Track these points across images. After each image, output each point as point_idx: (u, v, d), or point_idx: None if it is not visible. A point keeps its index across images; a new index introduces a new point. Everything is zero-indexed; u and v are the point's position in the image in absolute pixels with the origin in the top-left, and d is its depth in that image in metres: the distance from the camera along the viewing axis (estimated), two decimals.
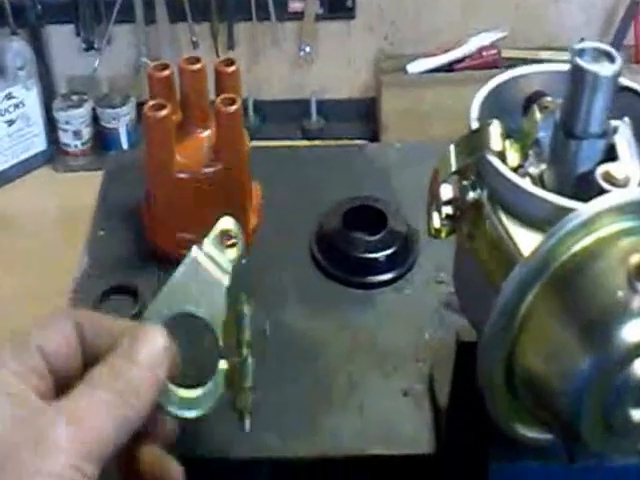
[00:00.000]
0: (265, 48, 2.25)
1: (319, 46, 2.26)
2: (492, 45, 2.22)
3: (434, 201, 0.49)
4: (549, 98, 0.49)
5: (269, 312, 0.77)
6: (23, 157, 2.12)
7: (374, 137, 2.24)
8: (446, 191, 0.49)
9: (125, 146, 2.12)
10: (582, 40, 2.12)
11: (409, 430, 0.68)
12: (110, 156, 0.99)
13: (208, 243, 0.60)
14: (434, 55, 2.21)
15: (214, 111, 0.77)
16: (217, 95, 0.78)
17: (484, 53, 2.21)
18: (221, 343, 0.60)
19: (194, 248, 0.59)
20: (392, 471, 0.68)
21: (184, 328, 0.58)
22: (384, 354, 0.75)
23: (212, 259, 0.60)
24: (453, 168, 0.48)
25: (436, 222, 0.49)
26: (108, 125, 2.12)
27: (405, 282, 0.81)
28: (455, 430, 0.61)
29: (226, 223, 0.62)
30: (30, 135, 2.12)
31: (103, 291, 0.78)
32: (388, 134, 2.18)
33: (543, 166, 0.49)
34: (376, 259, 0.81)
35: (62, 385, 0.51)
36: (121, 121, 2.11)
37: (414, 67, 2.18)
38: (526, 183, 0.46)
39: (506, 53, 2.22)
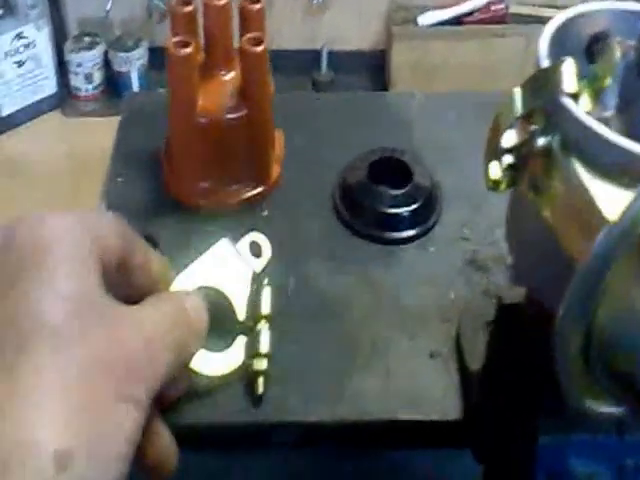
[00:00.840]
0: None
1: None
2: (500, 0, 2.25)
3: (494, 149, 0.44)
4: (618, 38, 0.45)
5: (292, 267, 0.74)
6: (32, 100, 2.07)
7: (383, 90, 2.21)
8: (508, 138, 0.44)
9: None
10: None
11: (437, 394, 0.65)
12: (126, 98, 0.95)
13: (240, 243, 0.67)
14: (444, 7, 2.19)
15: (239, 52, 0.73)
16: (241, 36, 0.74)
17: (492, 8, 2.24)
18: (241, 319, 0.64)
19: (225, 239, 0.66)
20: (419, 436, 0.65)
21: (206, 299, 0.60)
22: (409, 314, 0.72)
23: (240, 254, 0.66)
24: (519, 112, 0.43)
25: (495, 172, 0.45)
26: (120, 69, 2.07)
27: (429, 239, 0.78)
28: (490, 397, 0.58)
29: (257, 236, 0.69)
30: (40, 77, 2.07)
31: None
32: (397, 87, 2.16)
33: (608, 114, 0.45)
34: (400, 214, 0.78)
35: None
36: (133, 65, 2.07)
37: (424, 19, 2.16)
38: (609, 131, 0.41)
39: (514, 9, 2.24)
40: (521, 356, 0.51)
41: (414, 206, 0.78)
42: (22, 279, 0.41)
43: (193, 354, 0.51)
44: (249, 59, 0.72)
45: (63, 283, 0.41)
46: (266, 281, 0.69)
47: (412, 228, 0.78)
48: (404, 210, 0.78)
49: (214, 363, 0.62)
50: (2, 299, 0.41)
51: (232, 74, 0.76)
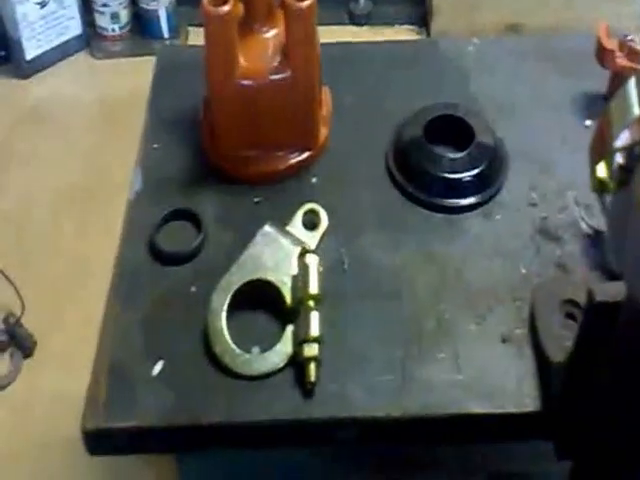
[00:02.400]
0: None
1: None
2: None
3: (602, 146, 0.38)
4: None
5: (345, 241, 0.68)
6: (58, 42, 2.00)
7: (424, 22, 2.10)
8: (621, 137, 0.38)
9: (165, 30, 1.99)
10: None
11: (511, 384, 0.60)
12: (157, 51, 0.88)
13: (294, 219, 0.66)
14: None
15: (282, 7, 0.66)
16: None
17: None
18: (289, 303, 0.62)
19: (267, 225, 0.64)
20: (494, 430, 0.60)
21: (255, 293, 0.61)
22: (476, 292, 0.66)
23: (287, 233, 0.64)
24: (636, 112, 0.36)
25: (603, 172, 0.38)
26: (147, 6, 1.98)
27: (494, 206, 0.72)
28: (579, 399, 0.52)
29: (312, 206, 0.67)
30: (64, 18, 1.99)
31: (162, 217, 0.69)
32: (438, 19, 2.05)
33: None
34: (462, 179, 0.71)
35: None
36: (161, 2, 1.98)
37: None
38: None
39: None
40: (618, 363, 0.45)
41: (478, 170, 0.71)
42: None
43: None
44: (293, 15, 0.65)
45: None
46: (314, 258, 0.64)
47: (476, 194, 0.71)
48: (466, 174, 0.71)
49: (266, 361, 0.60)
50: None
51: (274, 31, 0.68)
